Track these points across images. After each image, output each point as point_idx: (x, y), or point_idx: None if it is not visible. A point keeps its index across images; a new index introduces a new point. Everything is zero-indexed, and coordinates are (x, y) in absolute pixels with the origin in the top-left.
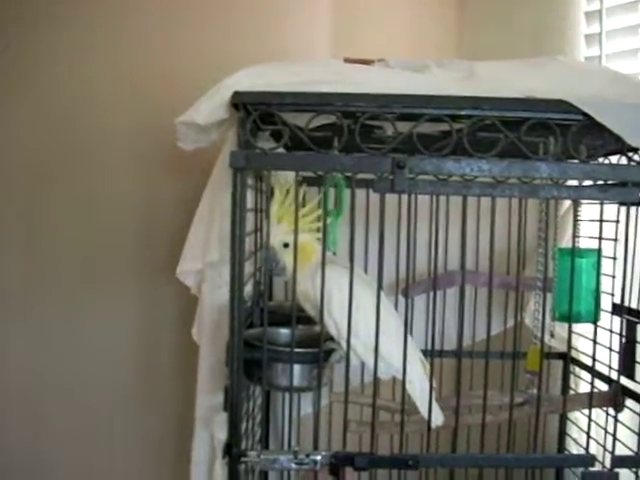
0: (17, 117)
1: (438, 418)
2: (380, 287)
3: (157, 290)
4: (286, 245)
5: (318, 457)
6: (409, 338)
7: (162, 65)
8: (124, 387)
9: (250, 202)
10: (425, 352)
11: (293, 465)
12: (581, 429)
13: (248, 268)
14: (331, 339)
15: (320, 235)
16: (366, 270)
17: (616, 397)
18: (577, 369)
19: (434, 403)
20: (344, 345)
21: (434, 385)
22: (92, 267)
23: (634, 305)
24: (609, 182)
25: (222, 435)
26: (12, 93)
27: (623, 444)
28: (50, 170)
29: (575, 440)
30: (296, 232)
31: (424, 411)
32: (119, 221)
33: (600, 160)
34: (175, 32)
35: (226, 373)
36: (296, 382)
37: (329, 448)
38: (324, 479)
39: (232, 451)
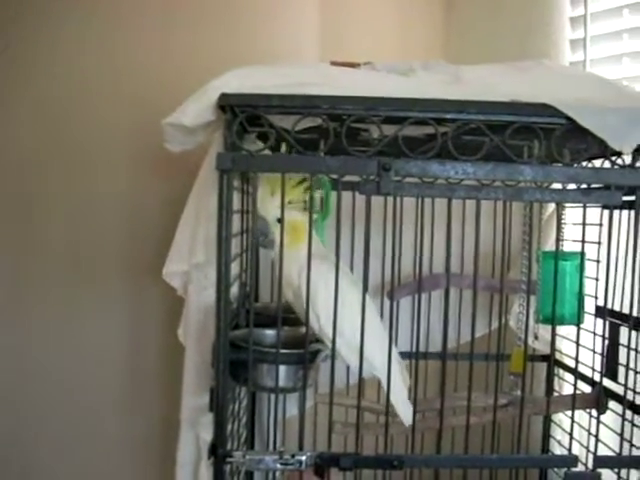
0: (13, 117)
1: (408, 417)
2: (365, 289)
3: (143, 291)
4: (279, 220)
5: (303, 457)
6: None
7: (154, 66)
8: (109, 388)
9: (236, 204)
10: (410, 354)
11: (278, 465)
12: (564, 430)
13: (234, 269)
14: (317, 340)
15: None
16: (352, 272)
17: (599, 399)
18: (561, 371)
19: (407, 402)
20: (326, 342)
21: (410, 386)
22: (78, 268)
23: (617, 307)
24: (592, 186)
25: (208, 436)
26: (8, 93)
27: (605, 445)
28: (38, 171)
29: (559, 442)
30: (282, 213)
31: (398, 409)
32: (105, 222)
33: (583, 164)
34: (167, 33)
35: (212, 374)
36: (281, 383)
37: (314, 449)
38: None
39: (218, 451)
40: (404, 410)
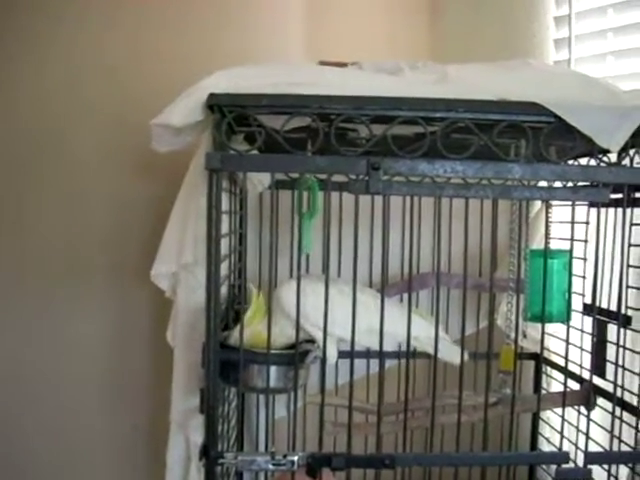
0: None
1: (456, 357)
2: (355, 284)
3: (131, 293)
4: None
5: (295, 458)
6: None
7: (143, 66)
8: (97, 390)
9: (224, 204)
10: (398, 353)
11: (270, 466)
12: (553, 428)
13: (223, 271)
14: (307, 341)
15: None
16: (339, 273)
17: (588, 396)
18: (548, 369)
19: (447, 344)
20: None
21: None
22: (64, 269)
23: (604, 305)
24: (580, 184)
25: (198, 438)
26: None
27: (595, 442)
28: (25, 169)
29: (547, 439)
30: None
31: (442, 356)
32: (92, 224)
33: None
34: (156, 33)
35: (201, 375)
36: (272, 383)
37: (304, 450)
38: None
39: (209, 453)
40: (448, 353)
